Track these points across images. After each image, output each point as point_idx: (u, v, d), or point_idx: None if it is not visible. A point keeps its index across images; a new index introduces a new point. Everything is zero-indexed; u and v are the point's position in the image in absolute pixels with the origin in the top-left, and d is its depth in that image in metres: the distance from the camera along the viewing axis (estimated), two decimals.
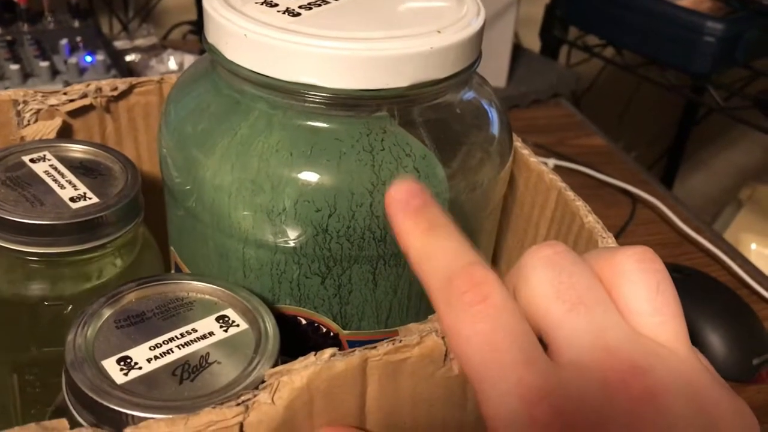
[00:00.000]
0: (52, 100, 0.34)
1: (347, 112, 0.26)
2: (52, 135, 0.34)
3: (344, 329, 0.28)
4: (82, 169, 0.32)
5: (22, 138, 0.34)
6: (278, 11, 0.26)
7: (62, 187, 0.30)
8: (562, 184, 0.31)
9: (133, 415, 0.21)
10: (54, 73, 0.71)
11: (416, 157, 0.26)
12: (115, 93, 0.35)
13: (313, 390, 0.21)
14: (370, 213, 0.26)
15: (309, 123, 0.26)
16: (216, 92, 0.28)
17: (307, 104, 0.26)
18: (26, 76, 0.70)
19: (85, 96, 0.35)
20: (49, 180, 0.31)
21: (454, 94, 0.28)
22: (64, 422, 0.21)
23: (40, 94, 0.34)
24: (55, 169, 0.31)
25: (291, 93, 0.26)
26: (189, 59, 0.75)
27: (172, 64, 0.73)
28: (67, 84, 0.71)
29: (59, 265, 0.30)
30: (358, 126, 0.26)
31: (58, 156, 0.32)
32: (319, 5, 0.27)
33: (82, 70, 0.72)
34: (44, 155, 0.32)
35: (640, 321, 0.19)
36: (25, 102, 0.34)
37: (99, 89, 0.35)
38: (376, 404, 0.23)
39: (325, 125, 0.26)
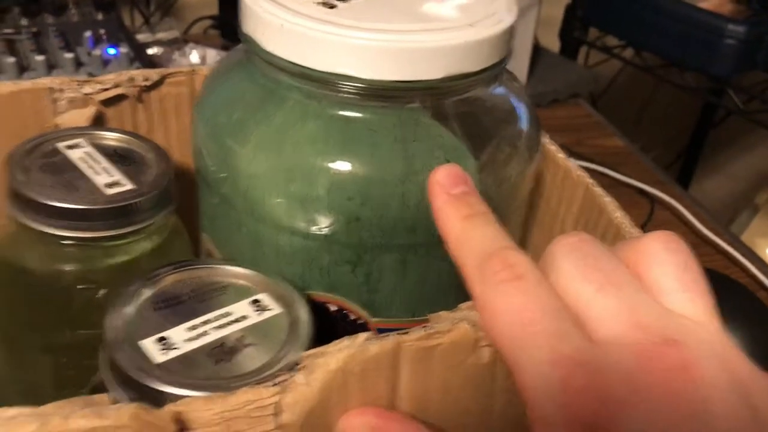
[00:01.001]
0: (87, 89, 0.35)
1: (381, 102, 0.27)
2: (86, 123, 0.35)
3: (373, 317, 0.29)
4: (116, 156, 0.32)
5: (57, 125, 0.35)
6: (315, 2, 0.27)
7: (97, 173, 0.31)
8: (590, 180, 0.32)
9: (172, 393, 0.22)
10: (78, 64, 0.72)
11: (448, 149, 0.27)
12: (148, 83, 0.36)
13: (348, 373, 0.22)
14: (402, 203, 0.26)
15: (343, 113, 0.27)
16: (251, 82, 0.29)
17: (341, 94, 0.27)
18: (51, 67, 0.71)
19: (118, 85, 0.35)
20: (84, 166, 0.31)
21: (485, 89, 0.29)
22: (105, 397, 0.21)
23: (76, 83, 0.35)
24: (90, 156, 0.32)
25: (326, 83, 0.26)
26: (211, 53, 0.75)
27: (194, 57, 0.74)
28: (91, 76, 0.72)
29: (92, 249, 0.31)
30: (392, 117, 0.27)
31: (93, 143, 0.33)
32: None
33: (105, 62, 0.73)
34: (79, 142, 0.33)
35: (669, 299, 0.19)
36: (61, 90, 0.35)
37: (132, 79, 0.36)
38: (408, 389, 0.23)
39: (358, 115, 0.27)
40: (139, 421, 0.20)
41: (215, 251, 0.31)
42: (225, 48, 0.79)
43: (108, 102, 0.36)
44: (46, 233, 0.30)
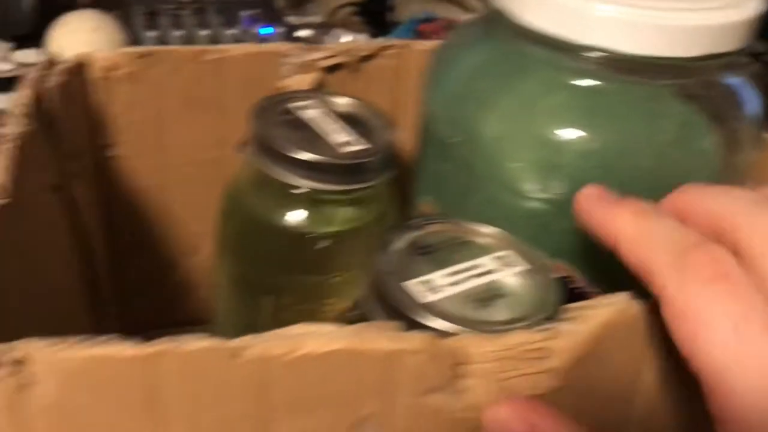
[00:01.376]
0: (312, 55, 0.37)
1: (630, 77, 0.28)
2: (308, 87, 0.37)
3: (596, 287, 0.30)
4: (345, 118, 0.35)
5: (282, 87, 0.37)
6: None
7: (331, 132, 0.33)
8: None
9: (442, 331, 0.23)
10: (237, 42, 0.76)
11: (692, 126, 0.28)
12: (364, 53, 0.38)
13: (613, 328, 0.23)
14: (643, 175, 0.27)
15: (590, 83, 0.28)
16: (497, 52, 0.30)
17: (590, 66, 0.28)
18: (213, 42, 0.75)
19: (339, 54, 0.38)
20: (318, 125, 0.34)
21: (728, 72, 0.29)
22: (396, 324, 0.23)
23: (302, 49, 0.37)
24: (322, 116, 0.34)
25: (577, 55, 0.28)
26: (360, 39, 0.78)
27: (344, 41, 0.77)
28: None
29: (321, 202, 0.33)
30: (639, 91, 0.28)
31: (322, 106, 0.35)
32: None
33: (261, 41, 0.77)
34: (311, 103, 0.35)
35: None
36: (288, 55, 0.37)
37: (350, 49, 0.38)
38: (657, 349, 0.24)
39: (607, 87, 0.28)
40: (431, 349, 0.21)
41: None
42: (374, 35, 0.82)
43: (328, 69, 0.38)
44: (287, 183, 0.32)
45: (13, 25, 0.71)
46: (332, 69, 0.38)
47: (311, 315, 0.34)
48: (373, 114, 0.35)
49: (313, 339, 0.20)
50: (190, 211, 0.40)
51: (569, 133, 0.28)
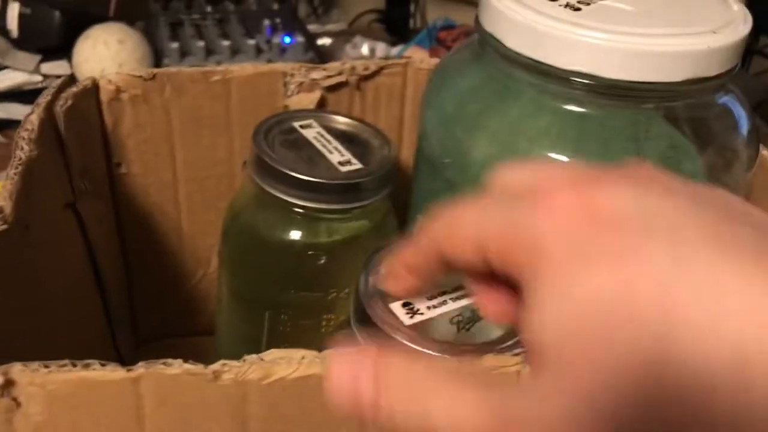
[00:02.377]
0: (315, 75, 0.38)
1: (616, 101, 0.28)
2: (312, 106, 0.38)
3: None
4: (344, 137, 0.35)
5: (286, 107, 0.39)
6: (559, 5, 0.29)
7: (330, 152, 0.34)
8: None
9: (422, 352, 0.24)
10: (258, 51, 0.77)
11: (679, 149, 0.28)
12: (367, 72, 0.39)
13: None
14: None
15: (578, 109, 0.28)
16: (487, 76, 0.31)
17: (577, 91, 0.28)
18: (234, 52, 0.77)
19: (341, 73, 0.39)
20: (318, 145, 0.35)
21: (714, 94, 0.30)
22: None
23: (305, 68, 0.38)
24: (322, 135, 0.35)
25: (563, 80, 0.28)
26: (380, 47, 0.79)
27: (365, 50, 0.78)
28: (270, 62, 0.77)
29: (319, 220, 0.34)
30: (625, 115, 0.28)
31: (322, 124, 0.36)
32: (596, 1, 0.29)
33: (282, 50, 0.78)
34: (311, 123, 0.36)
35: None
36: (292, 75, 0.38)
37: (354, 68, 0.39)
38: None
39: (593, 112, 0.28)
40: None
41: None
42: (393, 43, 0.82)
43: (330, 88, 0.39)
44: (287, 201, 0.33)
45: (42, 38, 0.73)
46: (334, 88, 0.39)
47: (311, 330, 0.35)
48: (373, 133, 0.36)
49: (286, 364, 0.21)
50: (199, 226, 0.41)
51: (556, 157, 0.28)
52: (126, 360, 0.37)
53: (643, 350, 0.14)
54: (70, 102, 0.33)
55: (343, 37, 0.85)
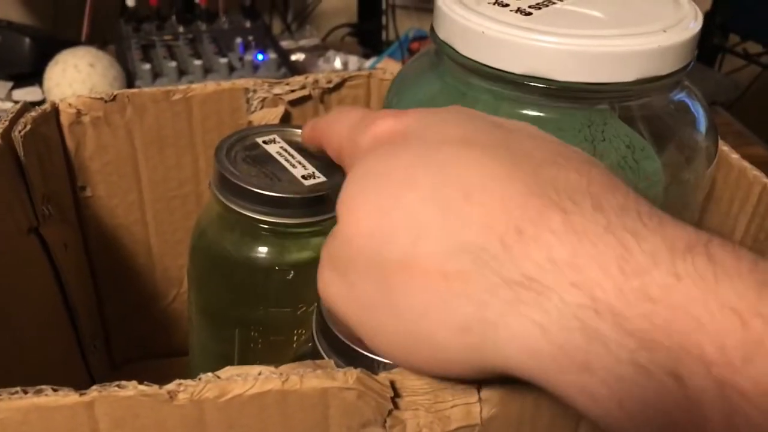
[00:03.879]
0: (277, 90, 0.38)
1: (570, 103, 0.28)
2: (276, 121, 0.38)
3: None
4: (307, 151, 0.35)
5: (250, 122, 0.38)
6: (510, 10, 0.29)
7: (294, 166, 0.34)
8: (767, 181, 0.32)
9: (383, 363, 0.24)
10: (231, 69, 0.77)
11: (635, 149, 0.28)
12: (330, 85, 0.39)
13: None
14: None
15: (533, 113, 0.28)
16: (443, 84, 0.31)
17: (531, 95, 0.28)
18: (207, 71, 0.77)
19: (304, 87, 0.39)
20: (281, 159, 0.34)
21: (669, 93, 0.30)
22: (331, 362, 0.24)
23: (267, 84, 0.38)
24: (285, 150, 0.35)
25: (518, 85, 0.28)
26: (353, 60, 0.79)
27: (337, 63, 0.78)
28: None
29: (286, 235, 0.34)
30: (580, 117, 0.28)
31: (286, 139, 0.36)
32: (547, 5, 0.29)
33: (255, 68, 0.78)
34: (274, 137, 0.36)
35: None
36: (255, 90, 0.38)
37: (317, 81, 0.39)
38: None
39: (548, 115, 0.28)
40: (363, 384, 0.22)
41: None
42: (365, 56, 0.83)
43: (294, 102, 0.39)
44: (251, 218, 0.33)
45: (14, 64, 0.73)
46: (298, 102, 0.39)
47: (283, 346, 0.35)
48: None
49: (242, 381, 0.21)
50: (169, 246, 0.41)
51: None
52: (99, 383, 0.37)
53: None
54: (29, 127, 0.33)
55: (317, 52, 0.86)
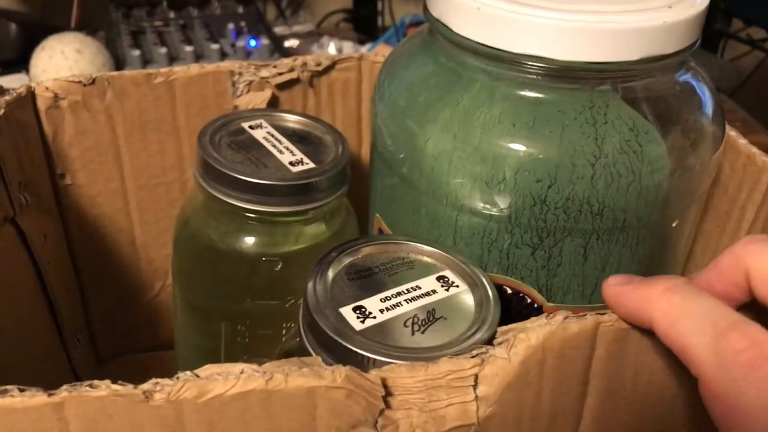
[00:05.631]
0: (264, 73, 0.37)
1: (571, 84, 0.27)
2: (263, 105, 0.37)
3: (548, 301, 0.29)
4: (295, 136, 0.34)
5: (236, 107, 0.37)
6: None
7: (281, 152, 0.33)
8: None
9: (374, 359, 0.23)
10: (222, 55, 0.76)
11: (639, 132, 0.26)
12: (320, 68, 0.37)
13: (547, 349, 0.22)
14: (590, 186, 0.26)
15: (532, 94, 0.27)
16: (437, 65, 0.29)
17: (530, 76, 0.27)
18: (198, 57, 0.75)
19: (292, 70, 0.37)
20: (268, 145, 0.33)
21: (674, 73, 0.28)
22: (318, 359, 0.22)
23: (254, 67, 0.37)
24: (273, 135, 0.34)
25: (517, 65, 0.27)
26: (348, 46, 0.77)
27: (332, 49, 0.76)
28: None
29: (273, 224, 0.32)
30: (582, 99, 0.27)
31: (273, 124, 0.35)
32: None
33: (247, 54, 0.76)
34: (261, 123, 0.34)
35: None
36: (240, 73, 0.37)
37: (305, 64, 0.37)
38: (601, 369, 0.23)
39: (548, 97, 0.27)
40: (352, 383, 0.21)
41: (389, 231, 0.32)
42: (361, 42, 0.81)
43: (281, 86, 0.37)
44: (236, 206, 0.31)
45: (0, 51, 0.71)
46: (286, 85, 0.37)
47: (271, 340, 0.34)
48: (326, 130, 0.34)
49: (224, 381, 0.20)
50: (153, 236, 0.39)
51: (511, 146, 0.27)
52: (83, 380, 0.36)
53: None
54: (2, 111, 0.32)
55: (311, 38, 0.84)
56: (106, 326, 0.41)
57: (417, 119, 0.29)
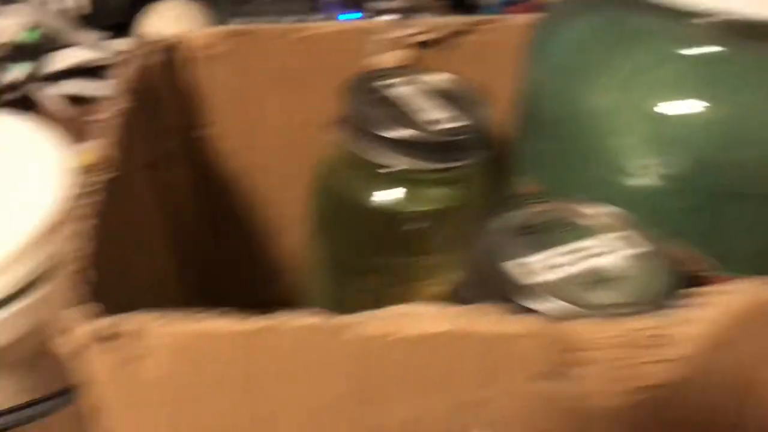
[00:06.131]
0: (403, 32, 0.36)
1: (753, 42, 0.25)
2: (402, 64, 0.36)
3: (719, 270, 0.28)
4: (437, 95, 0.33)
5: (373, 65, 0.37)
6: None
7: (425, 110, 0.32)
8: None
9: (548, 315, 0.22)
10: None
11: None
12: (458, 29, 0.37)
13: (750, 314, 0.21)
14: (764, 148, 0.25)
15: (705, 53, 0.26)
16: (604, 23, 0.28)
17: (708, 33, 0.25)
18: None
19: (431, 30, 0.36)
20: (412, 103, 0.32)
21: None
22: (504, 308, 0.22)
23: (392, 25, 0.36)
24: (416, 93, 0.33)
25: (692, 22, 0.25)
26: None
27: None
28: None
29: (415, 182, 0.32)
30: (760, 58, 0.25)
31: (414, 82, 0.34)
32: None
33: None
34: (403, 80, 0.34)
35: None
36: (377, 32, 0.36)
37: (447, 24, 0.36)
38: None
39: (722, 56, 0.25)
40: (541, 333, 0.20)
41: None
42: None
43: (419, 46, 0.37)
44: (377, 162, 0.31)
45: (109, 15, 0.73)
46: (424, 45, 0.37)
47: (404, 297, 0.33)
48: (468, 90, 0.34)
49: (415, 320, 0.19)
50: (279, 192, 0.39)
51: (688, 106, 0.25)
52: None
53: None
54: (161, 57, 0.32)
55: (406, 13, 0.83)
56: (224, 279, 0.42)
57: (581, 78, 0.28)
